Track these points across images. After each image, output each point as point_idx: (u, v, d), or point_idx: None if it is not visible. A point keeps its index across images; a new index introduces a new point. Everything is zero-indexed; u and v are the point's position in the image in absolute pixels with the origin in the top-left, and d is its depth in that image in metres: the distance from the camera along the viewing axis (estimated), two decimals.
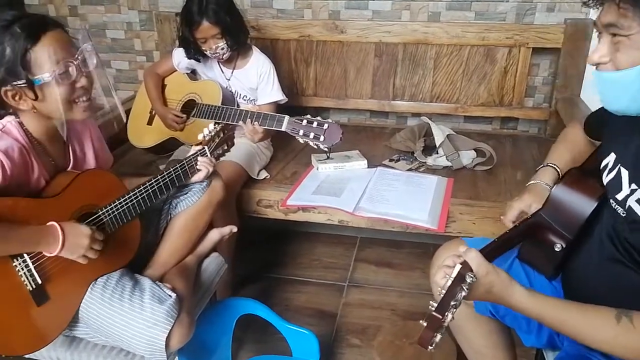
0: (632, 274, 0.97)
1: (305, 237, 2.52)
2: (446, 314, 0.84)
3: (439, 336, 0.84)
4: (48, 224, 1.09)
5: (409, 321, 1.77)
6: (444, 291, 0.86)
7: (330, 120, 1.70)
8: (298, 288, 2.19)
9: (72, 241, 1.10)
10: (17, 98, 1.13)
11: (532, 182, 1.29)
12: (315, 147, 1.73)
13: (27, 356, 1.27)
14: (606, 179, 1.06)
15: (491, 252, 1.02)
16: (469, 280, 0.87)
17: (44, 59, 1.10)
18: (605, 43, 0.89)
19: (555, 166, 1.28)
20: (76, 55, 1.16)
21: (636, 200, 0.95)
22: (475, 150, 2.06)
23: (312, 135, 1.70)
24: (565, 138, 1.37)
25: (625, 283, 0.98)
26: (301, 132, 1.72)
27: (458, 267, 0.89)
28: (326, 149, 1.74)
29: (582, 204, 1.09)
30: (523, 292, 0.95)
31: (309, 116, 1.73)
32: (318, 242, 2.49)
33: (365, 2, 2.37)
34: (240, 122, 1.82)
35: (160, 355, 1.16)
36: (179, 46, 2.05)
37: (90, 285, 1.22)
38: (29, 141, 1.18)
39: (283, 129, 1.75)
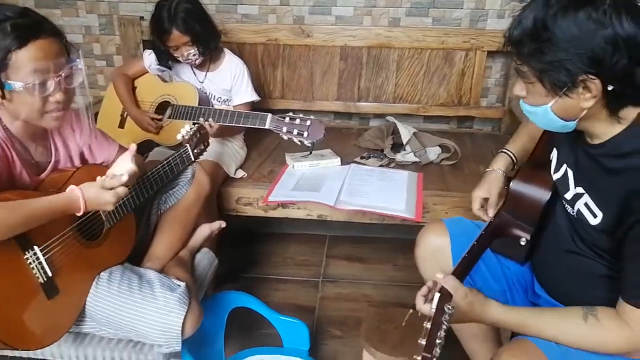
0: (586, 260, 1.09)
1: (275, 238, 2.55)
2: (434, 350, 0.91)
3: None
4: (68, 189, 1.10)
5: (390, 307, 1.84)
6: (428, 325, 0.92)
7: (312, 117, 1.77)
8: (275, 286, 2.23)
9: (94, 199, 1.11)
10: None
11: (487, 169, 1.41)
12: (298, 143, 1.78)
13: (33, 356, 1.25)
14: (555, 175, 1.18)
15: (465, 269, 1.11)
16: (448, 311, 0.93)
17: (23, 65, 1.05)
18: (520, 83, 1.03)
19: (509, 152, 1.41)
20: (60, 71, 1.10)
21: (584, 204, 1.06)
22: (440, 146, 2.19)
23: (295, 131, 1.75)
24: (528, 122, 1.48)
25: (585, 270, 1.10)
26: (285, 129, 1.76)
27: (437, 296, 0.95)
28: (309, 145, 1.79)
29: (538, 196, 1.21)
30: (498, 308, 1.04)
31: (291, 113, 1.78)
32: (289, 241, 2.53)
33: (328, 7, 2.46)
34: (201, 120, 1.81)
35: (175, 342, 1.18)
36: (149, 48, 2.05)
37: (95, 281, 1.22)
38: (7, 137, 1.15)
39: (267, 126, 1.79)
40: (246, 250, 2.45)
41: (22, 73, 1.05)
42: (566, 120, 1.00)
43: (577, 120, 0.99)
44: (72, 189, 1.10)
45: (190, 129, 1.56)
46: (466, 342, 1.47)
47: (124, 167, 1.20)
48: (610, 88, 0.92)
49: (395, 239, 2.51)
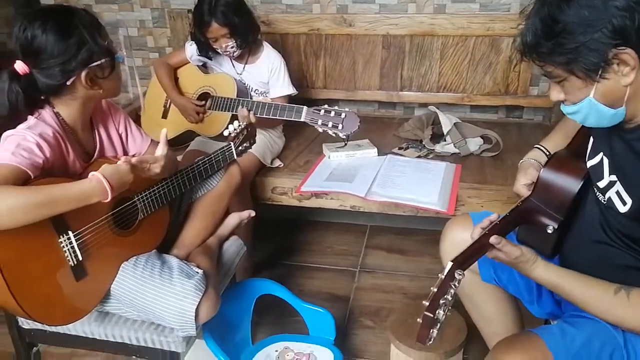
0: (615, 251, 1.05)
1: (316, 226, 2.58)
2: (437, 311, 0.90)
3: (435, 331, 0.90)
4: (90, 175, 1.13)
5: (421, 301, 1.82)
6: (435, 289, 0.92)
7: (348, 110, 1.77)
8: (311, 274, 2.26)
9: (118, 182, 1.15)
10: (90, 81, 1.21)
11: (521, 161, 1.36)
12: (333, 135, 1.79)
13: (63, 332, 1.35)
14: (589, 163, 1.12)
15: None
16: (458, 277, 0.93)
17: (111, 41, 1.25)
18: (554, 86, 0.99)
19: (542, 147, 1.35)
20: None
21: (615, 192, 1.01)
22: (482, 137, 2.12)
23: (330, 124, 1.76)
24: (565, 119, 1.42)
25: (614, 261, 1.05)
26: (320, 122, 1.78)
27: (449, 264, 0.95)
28: (344, 137, 1.80)
29: (569, 184, 1.15)
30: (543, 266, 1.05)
31: (326, 106, 1.80)
32: (329, 230, 2.55)
33: None
34: (239, 110, 1.85)
35: (190, 327, 1.23)
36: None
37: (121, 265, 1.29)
38: (62, 128, 1.25)
39: (302, 119, 1.81)
40: (286, 237, 2.50)
41: (115, 47, 1.27)
42: (614, 108, 0.95)
43: (624, 104, 0.94)
44: (92, 174, 1.13)
45: (239, 126, 1.60)
46: (489, 341, 1.44)
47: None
48: None
49: (438, 232, 2.46)
